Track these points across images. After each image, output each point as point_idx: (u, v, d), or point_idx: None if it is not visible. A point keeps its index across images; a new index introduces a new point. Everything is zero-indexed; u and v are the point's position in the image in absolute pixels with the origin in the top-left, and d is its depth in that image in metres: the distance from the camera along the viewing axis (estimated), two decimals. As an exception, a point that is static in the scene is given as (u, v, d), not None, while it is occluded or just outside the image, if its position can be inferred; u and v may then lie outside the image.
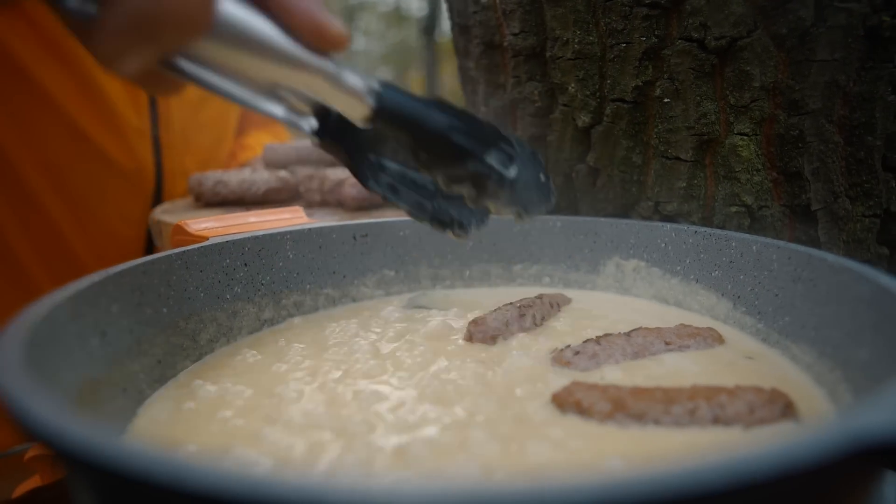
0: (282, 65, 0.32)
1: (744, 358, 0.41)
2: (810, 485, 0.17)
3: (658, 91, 0.51)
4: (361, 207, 0.67)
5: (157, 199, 0.86)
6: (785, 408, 0.32)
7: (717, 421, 0.32)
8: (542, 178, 0.39)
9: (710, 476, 0.15)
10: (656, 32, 0.50)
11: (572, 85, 0.54)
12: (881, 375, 0.29)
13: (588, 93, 0.54)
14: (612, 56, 0.52)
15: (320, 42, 0.32)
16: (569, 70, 0.54)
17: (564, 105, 0.55)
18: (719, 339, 0.42)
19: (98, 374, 0.34)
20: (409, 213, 0.39)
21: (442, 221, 0.39)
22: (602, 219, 0.54)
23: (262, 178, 0.72)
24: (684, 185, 0.52)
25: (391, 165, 0.39)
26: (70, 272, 0.81)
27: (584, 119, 0.54)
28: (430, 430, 0.32)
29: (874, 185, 0.50)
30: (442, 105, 0.36)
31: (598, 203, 0.57)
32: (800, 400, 0.34)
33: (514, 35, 0.56)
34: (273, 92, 0.33)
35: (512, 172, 0.37)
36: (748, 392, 0.33)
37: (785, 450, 0.16)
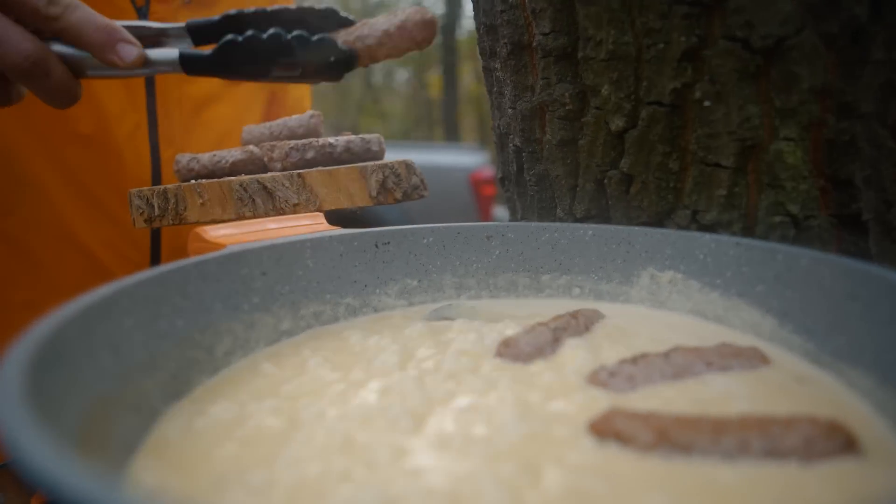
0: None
1: (794, 381, 0.38)
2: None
3: (698, 93, 0.48)
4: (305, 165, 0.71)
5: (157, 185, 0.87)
6: (846, 442, 0.30)
7: (770, 454, 0.29)
8: (332, 59, 0.60)
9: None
10: (697, 32, 0.47)
11: (605, 87, 0.52)
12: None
13: (622, 95, 0.51)
14: (649, 57, 0.49)
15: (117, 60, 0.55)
16: (602, 71, 0.51)
17: (597, 108, 0.53)
18: (764, 360, 0.40)
19: (110, 393, 0.32)
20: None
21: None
22: (636, 227, 0.51)
23: (230, 153, 0.74)
24: (724, 193, 0.49)
25: None
26: (77, 259, 0.81)
27: (617, 123, 0.52)
28: (457, 460, 0.29)
29: (930, 194, 0.47)
30: (233, 47, 0.58)
31: (631, 211, 0.54)
32: (859, 430, 0.31)
33: (544, 35, 0.54)
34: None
35: (297, 73, 0.60)
36: (803, 423, 0.30)
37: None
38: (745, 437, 0.30)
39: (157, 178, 0.86)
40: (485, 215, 4.85)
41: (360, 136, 0.77)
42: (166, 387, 0.38)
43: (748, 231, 0.49)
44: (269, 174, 0.65)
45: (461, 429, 0.32)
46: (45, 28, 0.51)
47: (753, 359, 0.40)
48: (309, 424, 0.33)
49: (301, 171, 0.66)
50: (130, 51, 0.53)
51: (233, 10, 0.59)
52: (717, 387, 0.37)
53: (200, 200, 0.65)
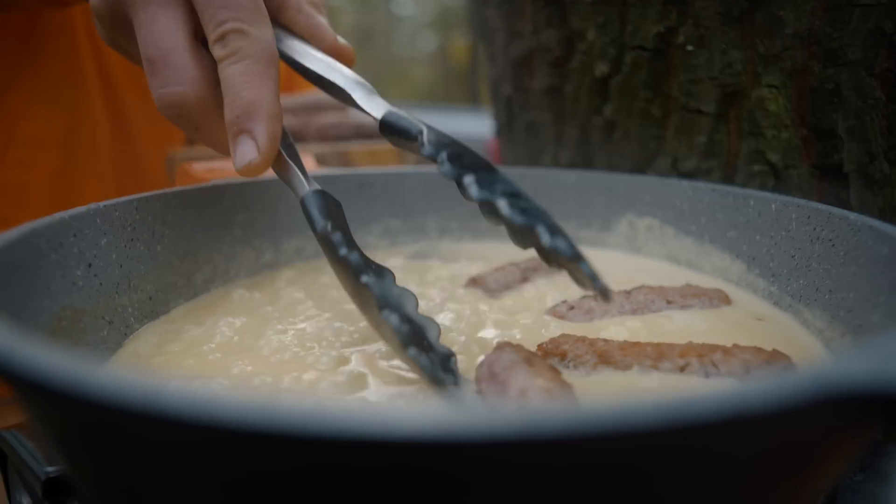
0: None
1: (752, 319, 0.38)
2: (770, 433, 0.15)
3: (681, 38, 0.48)
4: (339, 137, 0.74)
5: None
6: (784, 370, 0.30)
7: (708, 377, 0.30)
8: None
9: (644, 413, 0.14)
10: (682, -27, 0.46)
11: (591, 31, 0.51)
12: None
13: (607, 40, 0.51)
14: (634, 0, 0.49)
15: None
16: (588, 15, 0.51)
17: (583, 54, 0.53)
18: (726, 300, 0.40)
19: (82, 304, 0.34)
20: None
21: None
22: (616, 174, 0.51)
23: None
24: (705, 140, 0.49)
25: None
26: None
27: (602, 69, 0.51)
28: (400, 370, 0.31)
29: (916, 146, 0.46)
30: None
31: (614, 158, 0.54)
32: (806, 365, 0.32)
33: (534, -22, 0.53)
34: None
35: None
36: (746, 351, 0.31)
37: (735, 393, 0.14)
38: (685, 362, 0.30)
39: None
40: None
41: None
42: (142, 306, 0.39)
43: (728, 179, 0.49)
44: (318, 149, 0.68)
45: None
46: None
47: (715, 299, 0.40)
48: (271, 343, 0.35)
49: (345, 149, 0.69)
50: (245, 152, 0.35)
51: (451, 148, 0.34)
52: (676, 321, 0.38)
53: None
